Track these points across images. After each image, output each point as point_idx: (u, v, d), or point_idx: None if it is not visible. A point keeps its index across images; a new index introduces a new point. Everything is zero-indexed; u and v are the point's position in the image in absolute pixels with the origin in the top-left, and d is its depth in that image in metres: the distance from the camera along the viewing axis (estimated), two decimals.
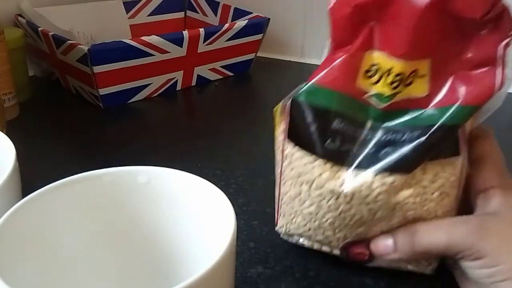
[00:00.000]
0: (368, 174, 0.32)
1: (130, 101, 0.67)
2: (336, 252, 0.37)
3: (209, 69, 0.74)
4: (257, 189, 0.49)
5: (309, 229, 0.37)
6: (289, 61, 0.85)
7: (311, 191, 0.35)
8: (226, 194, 0.30)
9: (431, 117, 0.33)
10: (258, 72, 0.79)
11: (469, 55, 0.32)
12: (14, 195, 0.33)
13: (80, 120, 0.63)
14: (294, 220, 0.37)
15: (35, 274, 0.29)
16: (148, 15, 0.83)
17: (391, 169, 0.32)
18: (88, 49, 0.59)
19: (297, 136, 0.35)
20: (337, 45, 0.35)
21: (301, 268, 0.39)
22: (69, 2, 0.74)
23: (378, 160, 0.33)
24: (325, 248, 0.37)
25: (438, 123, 0.32)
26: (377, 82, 0.34)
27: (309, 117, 0.34)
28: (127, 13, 0.80)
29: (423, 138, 0.32)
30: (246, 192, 0.48)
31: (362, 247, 0.36)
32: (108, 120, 0.64)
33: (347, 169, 0.33)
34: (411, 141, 0.32)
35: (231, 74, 0.77)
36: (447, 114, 0.32)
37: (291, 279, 0.38)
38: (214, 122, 0.64)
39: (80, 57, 0.61)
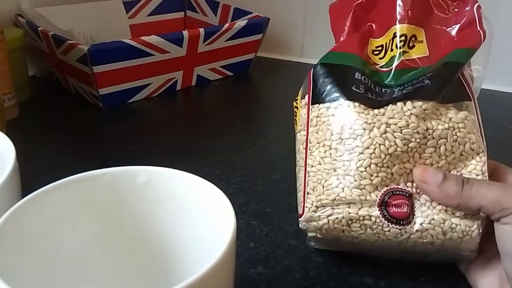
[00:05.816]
0: (397, 104, 0.36)
1: (130, 101, 0.67)
2: (375, 213, 0.35)
3: (209, 69, 0.74)
4: (257, 189, 0.49)
5: (343, 188, 0.35)
6: (289, 61, 0.85)
7: (342, 135, 0.36)
8: (226, 194, 0.30)
9: (437, 63, 0.37)
10: (258, 72, 0.79)
11: (453, 23, 0.39)
12: (14, 195, 0.33)
13: (80, 120, 0.63)
14: (326, 184, 0.36)
15: (35, 274, 0.29)
16: (148, 15, 0.83)
17: (418, 96, 0.36)
18: (88, 49, 0.59)
19: (321, 96, 0.38)
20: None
21: (301, 268, 0.39)
22: (69, 2, 0.74)
23: (403, 96, 0.36)
24: (362, 212, 0.35)
25: (444, 62, 0.37)
26: (384, 55, 0.39)
27: (331, 75, 0.38)
28: (127, 13, 0.80)
29: (436, 72, 0.36)
30: (246, 192, 0.48)
31: (402, 198, 0.35)
32: (108, 120, 0.64)
33: (375, 108, 0.36)
34: (427, 79, 0.36)
35: (231, 74, 0.77)
36: (450, 56, 0.37)
37: (291, 279, 0.38)
38: (214, 122, 0.64)
39: (80, 57, 0.61)
